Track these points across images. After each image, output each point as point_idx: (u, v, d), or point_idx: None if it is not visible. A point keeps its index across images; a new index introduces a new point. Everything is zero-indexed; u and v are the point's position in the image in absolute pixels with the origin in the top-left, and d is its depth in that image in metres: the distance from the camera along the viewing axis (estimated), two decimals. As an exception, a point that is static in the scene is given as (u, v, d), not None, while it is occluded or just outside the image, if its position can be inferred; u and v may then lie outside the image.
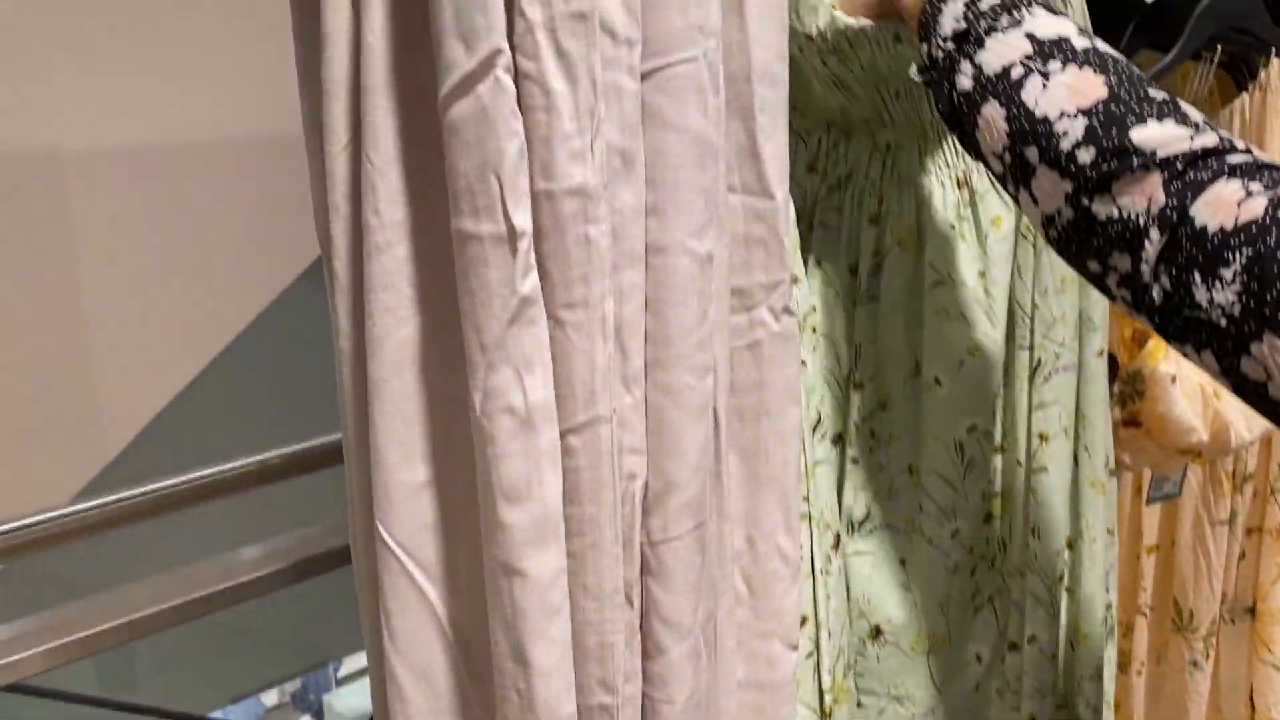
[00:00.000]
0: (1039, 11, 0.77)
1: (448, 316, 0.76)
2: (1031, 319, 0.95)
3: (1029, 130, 0.73)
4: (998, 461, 0.98)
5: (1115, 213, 0.70)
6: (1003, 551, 0.99)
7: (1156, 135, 0.70)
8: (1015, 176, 0.75)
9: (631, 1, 0.73)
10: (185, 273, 1.93)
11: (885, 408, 0.98)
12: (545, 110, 0.72)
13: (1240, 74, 1.30)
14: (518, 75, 0.72)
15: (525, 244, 0.71)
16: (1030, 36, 0.75)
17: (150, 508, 1.15)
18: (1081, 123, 0.71)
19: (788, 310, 0.82)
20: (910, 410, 0.98)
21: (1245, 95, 1.36)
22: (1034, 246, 0.96)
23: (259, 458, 1.17)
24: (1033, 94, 0.73)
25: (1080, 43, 0.75)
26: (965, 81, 0.77)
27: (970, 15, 0.78)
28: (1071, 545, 0.97)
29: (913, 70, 0.83)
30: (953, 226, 0.95)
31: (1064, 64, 0.73)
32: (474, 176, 0.70)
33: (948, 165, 0.95)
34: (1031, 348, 0.94)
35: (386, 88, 0.76)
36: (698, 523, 0.79)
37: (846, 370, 0.98)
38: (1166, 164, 0.69)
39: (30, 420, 1.93)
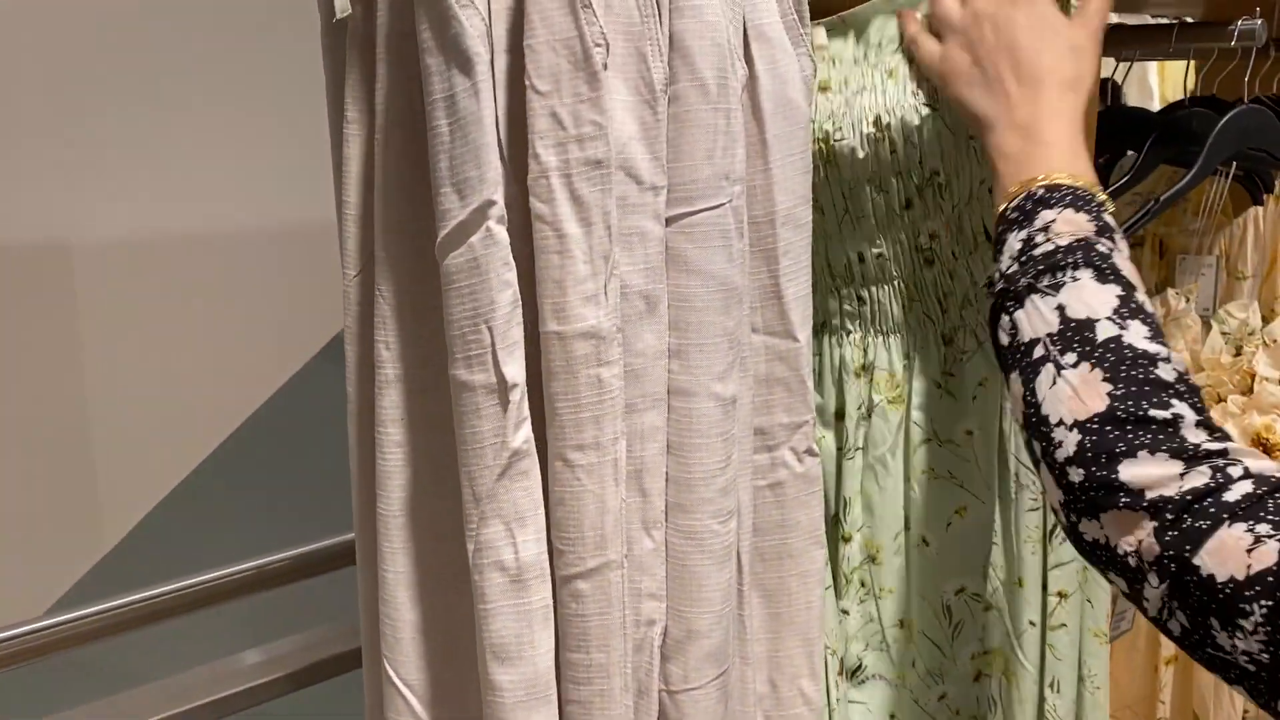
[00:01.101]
0: (1084, 276, 0.71)
1: (454, 457, 0.75)
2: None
3: (1035, 424, 0.70)
4: (989, 618, 0.96)
5: (1104, 540, 0.66)
6: (994, 710, 0.96)
7: (1143, 474, 0.64)
8: (1029, 450, 0.72)
9: (657, 149, 0.73)
10: (187, 364, 1.92)
11: (875, 561, 0.97)
12: (559, 253, 0.71)
13: (1255, 187, 1.31)
14: (532, 217, 0.72)
15: (518, 395, 0.70)
16: (1061, 311, 0.71)
17: (138, 620, 1.12)
18: (1075, 439, 0.67)
19: (810, 451, 0.82)
20: (901, 566, 0.97)
21: (1259, 207, 1.36)
22: None
23: (257, 563, 1.15)
24: (1044, 386, 0.70)
25: (1104, 331, 0.69)
26: (1003, 336, 0.74)
27: (1023, 260, 0.74)
28: (1079, 697, 0.96)
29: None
30: (939, 384, 0.95)
31: (1077, 360, 0.69)
32: (467, 326, 0.70)
33: (933, 321, 0.95)
34: (1044, 508, 0.92)
35: (399, 225, 0.77)
36: (720, 671, 0.77)
37: (833, 518, 0.96)
38: (1156, 510, 0.64)
39: (30, 508, 1.91)
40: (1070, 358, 0.69)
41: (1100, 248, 0.73)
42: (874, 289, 0.93)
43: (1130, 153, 1.17)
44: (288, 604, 1.30)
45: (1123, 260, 0.73)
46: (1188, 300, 1.42)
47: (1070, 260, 0.72)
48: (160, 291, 1.88)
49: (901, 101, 0.88)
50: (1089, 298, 0.71)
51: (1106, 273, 0.71)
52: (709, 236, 0.74)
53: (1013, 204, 0.76)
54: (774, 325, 0.80)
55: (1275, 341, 1.28)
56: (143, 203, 1.88)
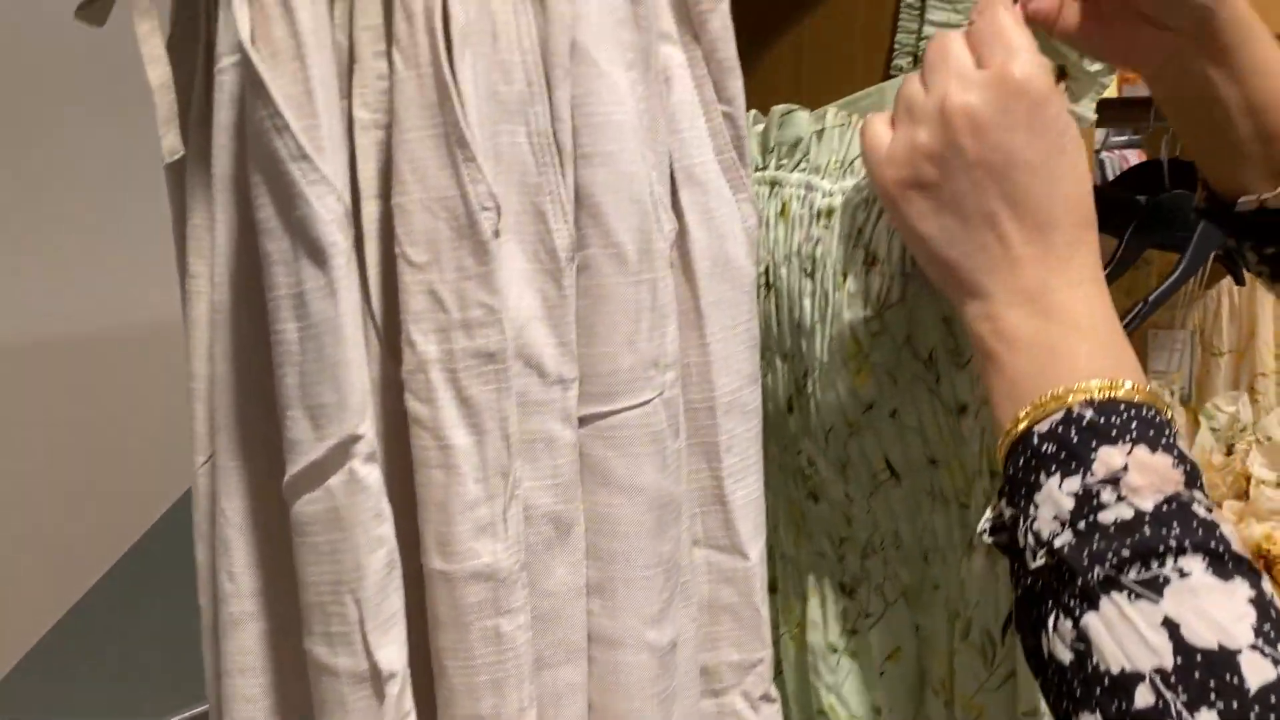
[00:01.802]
0: (1195, 569, 0.48)
1: None
2: None
3: None
4: None
5: None
6: None
7: None
8: None
9: (564, 331, 0.57)
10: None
11: None
12: (443, 469, 0.55)
13: (1235, 266, 1.21)
14: (409, 420, 0.56)
15: (396, 687, 0.54)
16: (1174, 632, 0.47)
17: None
18: None
19: (767, 697, 0.65)
20: None
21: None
22: None
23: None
24: None
25: (1253, 672, 0.46)
26: (1060, 649, 0.49)
27: (1085, 531, 0.50)
28: None
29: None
30: (834, 649, 0.78)
31: None
32: (326, 594, 0.54)
33: (828, 564, 0.78)
34: None
35: (242, 424, 0.59)
36: None
37: None
38: None
39: None
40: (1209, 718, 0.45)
41: (1199, 510, 0.50)
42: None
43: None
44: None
45: (1225, 524, 0.51)
46: (1172, 392, 1.30)
47: (1168, 542, 0.48)
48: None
49: (789, 239, 0.73)
50: (1213, 609, 0.47)
51: (1224, 559, 0.48)
52: (634, 441, 0.58)
53: (1044, 429, 0.52)
54: (718, 537, 0.64)
55: (1269, 439, 1.16)
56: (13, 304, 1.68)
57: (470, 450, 0.56)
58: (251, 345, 0.59)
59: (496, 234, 0.55)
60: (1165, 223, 1.08)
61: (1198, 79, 0.64)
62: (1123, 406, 0.51)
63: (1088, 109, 0.70)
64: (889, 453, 0.72)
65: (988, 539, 0.55)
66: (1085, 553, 0.49)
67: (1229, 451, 1.24)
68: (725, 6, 0.63)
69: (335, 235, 0.53)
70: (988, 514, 0.56)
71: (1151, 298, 1.04)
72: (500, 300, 0.55)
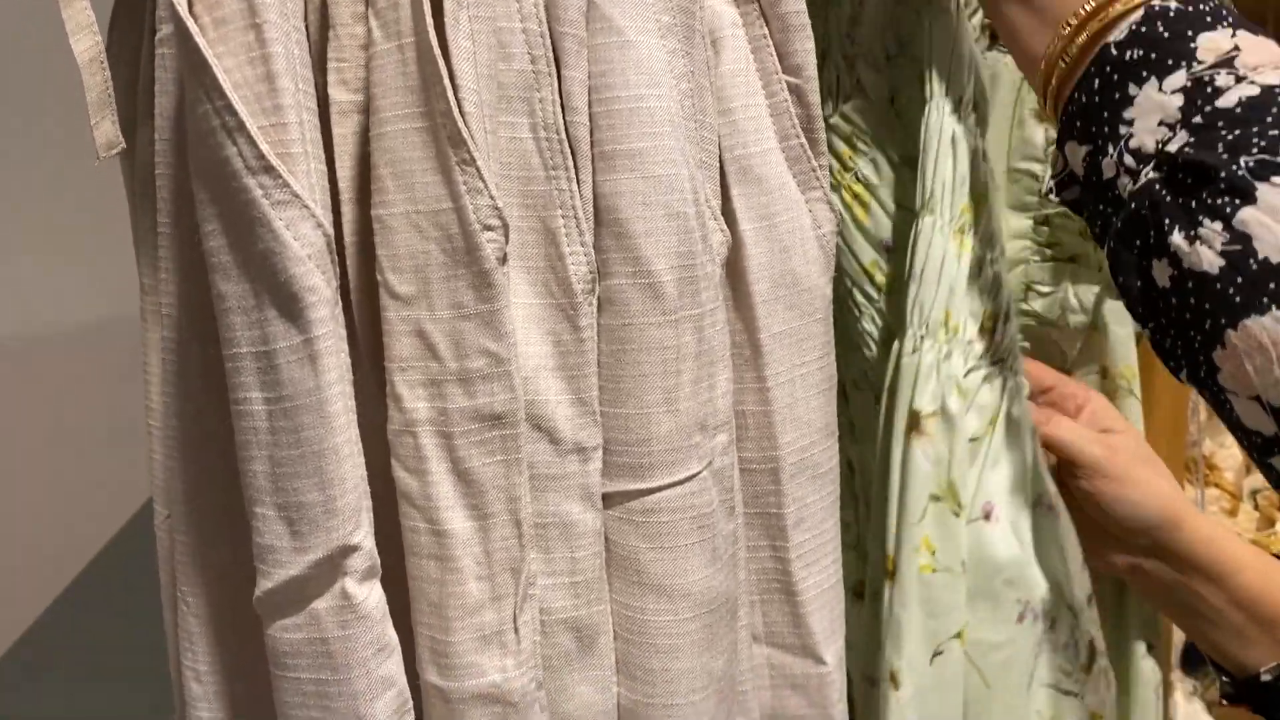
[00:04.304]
0: None
1: None
2: None
3: None
4: None
5: None
6: None
7: None
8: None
9: (583, 387, 0.44)
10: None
11: None
12: (437, 560, 0.43)
13: None
14: (398, 495, 0.43)
15: None
16: None
17: None
18: None
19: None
20: None
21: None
22: None
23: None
24: None
25: None
26: (1205, 262, 0.42)
27: (1203, 124, 0.43)
28: None
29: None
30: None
31: None
32: None
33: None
34: None
35: (195, 505, 0.47)
36: None
37: None
38: None
39: None
40: None
41: None
42: None
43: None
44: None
45: None
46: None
47: None
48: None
49: None
50: None
51: None
52: (675, 529, 0.45)
53: (1121, 36, 0.45)
54: (783, 635, 0.50)
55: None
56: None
57: (471, 538, 0.43)
58: (206, 398, 0.46)
59: (503, 260, 0.42)
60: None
61: (1179, 584, 0.64)
62: None
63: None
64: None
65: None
66: (1219, 145, 0.42)
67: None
68: (790, -54, 0.48)
69: (314, 278, 0.40)
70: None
71: None
72: (508, 347, 0.42)
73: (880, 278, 0.58)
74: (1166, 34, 0.44)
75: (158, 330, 0.50)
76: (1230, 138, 0.42)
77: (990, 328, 0.54)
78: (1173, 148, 0.43)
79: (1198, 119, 0.43)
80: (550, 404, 0.44)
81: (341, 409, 0.40)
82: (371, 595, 0.40)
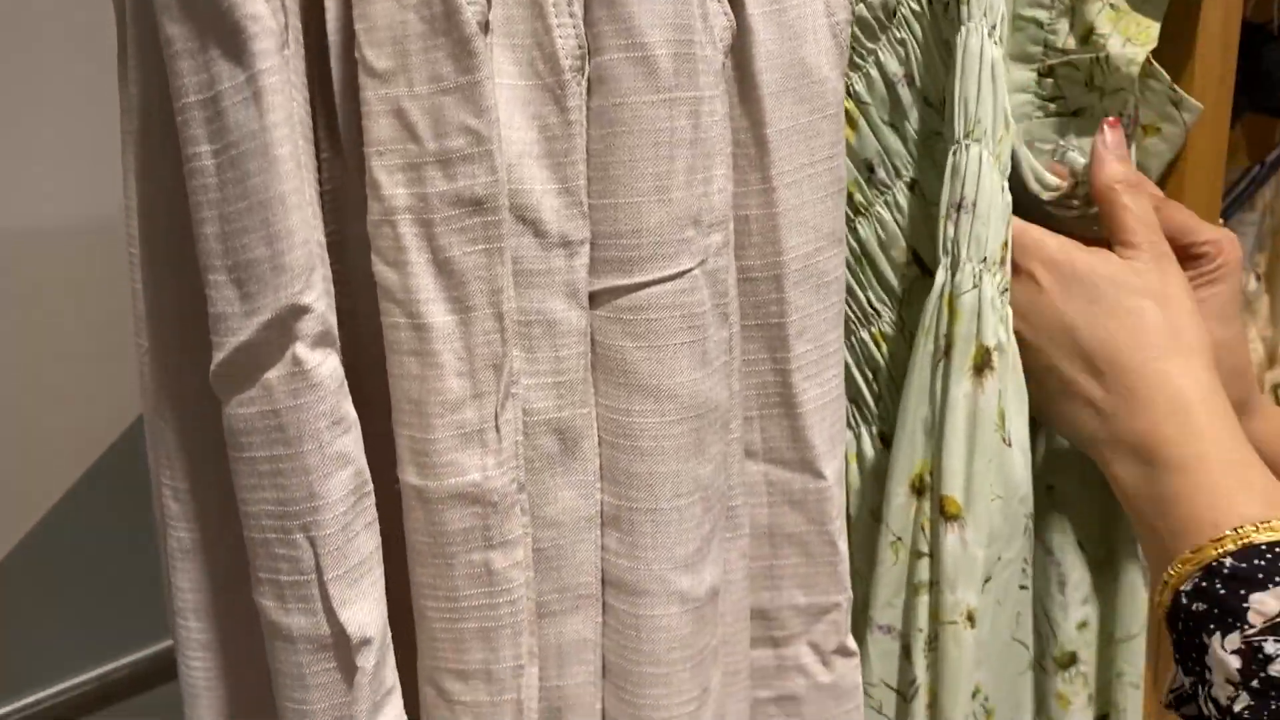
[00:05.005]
0: None
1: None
2: None
3: None
4: None
5: None
6: None
7: None
8: None
9: (570, 174, 0.41)
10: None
11: None
12: (417, 356, 0.41)
13: None
14: (378, 289, 0.41)
15: (372, 658, 0.40)
16: None
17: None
18: None
19: (843, 650, 0.50)
20: None
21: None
22: None
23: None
24: None
25: None
26: None
27: (1259, 685, 0.45)
28: None
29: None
30: None
31: None
32: (271, 529, 0.39)
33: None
34: None
35: (176, 307, 0.45)
36: None
37: None
38: None
39: None
40: None
41: None
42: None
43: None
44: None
45: None
46: (1258, 279, 1.13)
47: None
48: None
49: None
50: None
51: None
52: (664, 327, 0.42)
53: (1188, 587, 0.48)
54: (782, 450, 0.48)
55: None
56: None
57: (451, 332, 0.41)
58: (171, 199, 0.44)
59: (485, 28, 0.39)
60: (1267, 85, 0.90)
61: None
62: (1264, 546, 0.47)
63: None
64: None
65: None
66: (1266, 716, 0.45)
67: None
68: None
69: (256, 5, 0.37)
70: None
71: (1269, 159, 0.89)
72: (489, 124, 0.39)
73: (860, 198, 0.54)
74: (1223, 592, 0.47)
75: (132, 153, 0.47)
76: (1275, 709, 0.45)
77: (1003, 256, 0.52)
78: (1238, 707, 0.46)
79: (1255, 683, 0.46)
80: (535, 193, 0.41)
81: (289, 154, 0.37)
82: (325, 364, 0.38)
